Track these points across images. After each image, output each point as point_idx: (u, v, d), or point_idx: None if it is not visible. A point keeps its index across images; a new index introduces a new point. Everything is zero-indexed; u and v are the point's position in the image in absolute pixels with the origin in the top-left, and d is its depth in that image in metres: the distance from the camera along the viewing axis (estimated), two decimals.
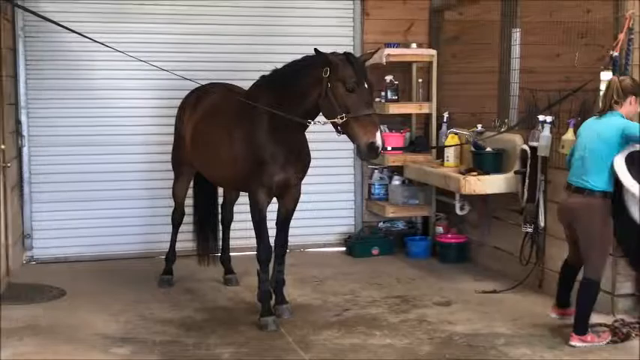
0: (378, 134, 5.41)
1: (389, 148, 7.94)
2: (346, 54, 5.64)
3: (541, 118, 6.52)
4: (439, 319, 6.15)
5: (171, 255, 7.23)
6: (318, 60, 5.59)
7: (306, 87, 5.70)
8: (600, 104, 5.56)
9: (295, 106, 5.77)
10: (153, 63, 6.47)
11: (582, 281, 5.52)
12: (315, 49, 5.65)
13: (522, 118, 7.16)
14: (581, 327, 5.47)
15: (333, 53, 5.68)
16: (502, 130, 7.15)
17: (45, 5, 7.71)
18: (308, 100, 5.70)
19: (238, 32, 8.29)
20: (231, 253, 7.31)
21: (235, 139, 6.08)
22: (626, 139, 5.30)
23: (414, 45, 8.41)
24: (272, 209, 6.16)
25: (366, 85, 5.51)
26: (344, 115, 5.47)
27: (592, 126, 5.53)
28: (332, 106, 5.54)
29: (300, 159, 6.08)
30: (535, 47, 7.87)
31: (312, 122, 5.80)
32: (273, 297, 6.16)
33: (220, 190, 7.27)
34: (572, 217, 5.55)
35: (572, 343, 5.48)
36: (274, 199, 6.18)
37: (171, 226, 7.28)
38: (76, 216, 8.08)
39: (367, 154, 5.47)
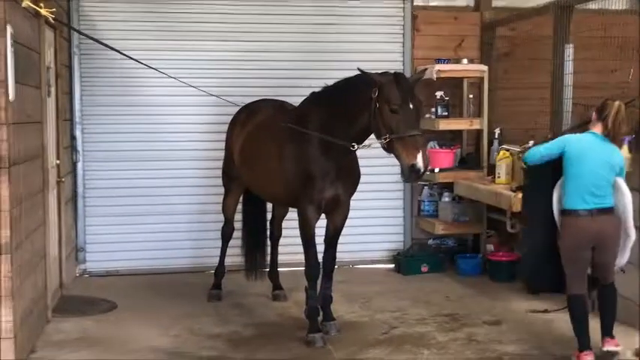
0: (420, 156, 5.32)
1: (436, 170, 7.83)
2: (395, 74, 5.60)
3: None
4: (489, 338, 6.06)
5: (221, 269, 7.27)
6: (369, 79, 5.58)
7: (356, 106, 5.68)
8: (610, 126, 5.34)
9: (346, 124, 5.76)
10: (202, 88, 6.64)
11: (610, 287, 5.49)
12: (360, 69, 5.64)
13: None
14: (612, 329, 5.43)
15: (385, 73, 5.65)
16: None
17: (100, 24, 7.88)
18: (359, 119, 5.67)
19: (289, 49, 8.35)
20: (279, 269, 7.32)
21: (286, 154, 6.10)
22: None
23: (464, 61, 8.36)
24: (321, 225, 6.15)
25: (411, 106, 5.44)
26: (387, 135, 5.45)
27: (598, 149, 5.35)
28: (378, 127, 5.53)
29: (350, 175, 6.07)
30: (589, 63, 7.76)
31: (358, 146, 5.75)
32: (321, 313, 6.14)
33: (269, 206, 7.30)
34: (603, 237, 5.36)
35: (611, 347, 5.42)
36: (323, 215, 6.18)
37: (220, 240, 7.33)
38: (128, 230, 8.20)
39: (408, 175, 5.41)
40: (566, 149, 5.39)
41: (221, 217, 7.34)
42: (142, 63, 6.22)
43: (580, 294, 5.42)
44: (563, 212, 5.41)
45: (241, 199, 7.28)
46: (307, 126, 5.99)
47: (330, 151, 5.87)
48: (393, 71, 5.69)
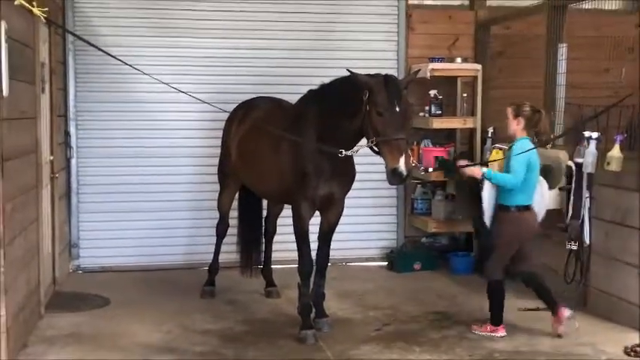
0: (403, 160, 5.33)
1: (430, 170, 7.76)
2: (385, 76, 5.60)
3: (587, 134, 6.43)
4: (480, 335, 6.08)
5: (215, 266, 7.29)
6: (358, 82, 5.56)
7: (351, 107, 5.67)
8: (543, 130, 6.07)
9: (342, 124, 5.76)
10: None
11: (529, 273, 6.12)
12: (349, 71, 5.64)
13: (566, 132, 7.07)
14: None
15: (376, 75, 5.64)
16: (545, 143, 7.04)
17: (95, 20, 7.90)
18: (354, 120, 5.66)
19: (286, 47, 8.37)
20: (272, 266, 7.34)
21: (282, 151, 6.12)
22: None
23: (458, 59, 8.38)
24: (314, 222, 6.17)
25: (397, 109, 5.43)
26: (374, 138, 5.47)
27: (535, 153, 6.01)
28: (367, 129, 5.55)
29: (345, 174, 6.08)
30: (582, 62, 7.79)
31: (346, 153, 5.76)
32: (314, 310, 6.17)
33: (264, 203, 7.31)
34: (533, 230, 6.10)
35: (568, 313, 5.96)
36: (317, 213, 6.19)
37: (215, 237, 7.34)
38: (122, 226, 8.21)
39: (391, 178, 5.42)
40: (530, 156, 5.90)
41: (215, 214, 7.35)
42: (135, 68, 6.22)
43: (502, 279, 6.04)
44: (516, 208, 5.90)
45: (237, 196, 7.29)
46: (303, 125, 6.00)
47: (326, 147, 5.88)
48: (384, 73, 5.69)
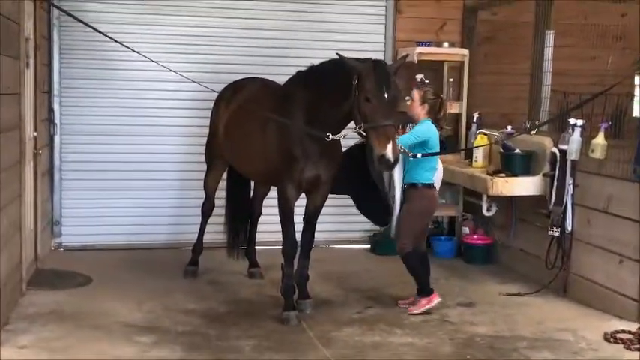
0: (390, 147, 5.32)
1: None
2: (374, 61, 5.56)
3: (572, 121, 6.46)
4: (461, 319, 6.13)
5: (199, 246, 7.27)
6: (347, 67, 5.51)
7: (340, 92, 5.61)
8: (442, 115, 6.35)
9: (330, 109, 5.73)
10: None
11: (424, 253, 6.45)
12: (339, 55, 5.60)
13: (551, 119, 7.10)
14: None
15: (365, 60, 5.59)
16: (529, 129, 7.09)
17: None
18: (342, 105, 5.61)
19: (273, 27, 8.32)
20: (256, 247, 7.34)
21: (269, 132, 6.09)
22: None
23: (446, 44, 8.38)
24: (299, 204, 6.17)
25: (386, 96, 5.40)
26: (362, 124, 5.45)
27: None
28: (355, 114, 5.52)
29: (332, 156, 6.05)
30: (569, 50, 7.80)
31: (333, 137, 5.72)
32: (297, 292, 6.18)
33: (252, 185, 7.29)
34: (436, 207, 6.47)
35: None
36: (302, 195, 6.19)
37: (200, 217, 7.32)
38: (105, 205, 8.18)
39: (378, 165, 5.44)
40: (431, 136, 6.18)
41: (200, 194, 7.33)
42: (124, 45, 6.13)
43: (411, 250, 6.24)
44: (423, 185, 6.19)
45: (226, 177, 7.26)
46: (291, 107, 5.97)
47: (314, 130, 5.82)
48: (373, 58, 5.67)
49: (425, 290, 6.26)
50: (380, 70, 5.49)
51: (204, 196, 7.27)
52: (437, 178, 6.36)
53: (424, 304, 6.21)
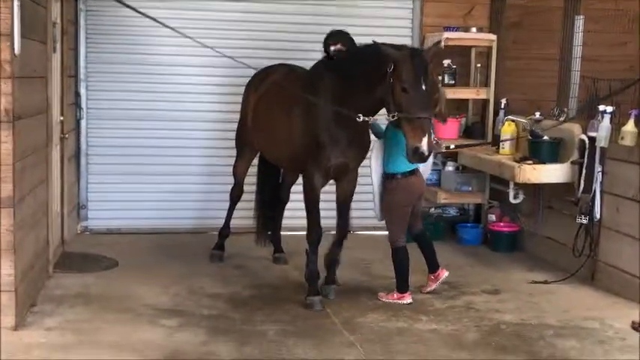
0: (425, 140, 5.25)
1: (444, 150, 7.56)
2: (412, 51, 5.46)
3: (601, 108, 6.37)
4: (487, 307, 6.08)
5: (225, 231, 7.26)
6: (383, 54, 5.40)
7: (372, 78, 5.54)
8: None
9: (361, 94, 5.66)
10: (219, 50, 6.36)
11: (421, 232, 6.42)
12: (375, 42, 5.50)
13: (582, 108, 7.01)
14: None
15: (402, 47, 5.51)
16: (561, 119, 7.00)
17: None
18: (374, 91, 5.54)
19: (299, 11, 8.26)
20: (281, 232, 7.33)
21: (295, 118, 6.04)
22: None
23: (473, 29, 8.28)
24: (330, 190, 6.15)
25: (423, 87, 5.30)
26: (396, 113, 5.38)
27: None
28: (389, 102, 5.44)
29: (361, 143, 6.00)
30: (599, 35, 7.70)
31: (364, 118, 5.63)
32: (322, 276, 6.16)
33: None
34: (420, 192, 6.29)
35: (444, 275, 6.36)
36: (332, 182, 6.15)
37: (226, 202, 7.29)
38: (131, 189, 8.21)
39: (412, 157, 5.36)
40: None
41: (226, 179, 7.35)
42: (158, 21, 5.98)
43: (405, 245, 6.15)
44: (402, 175, 6.05)
45: (257, 163, 7.22)
46: (319, 92, 5.90)
47: (341, 118, 5.79)
48: (410, 46, 5.58)
49: (402, 287, 6.17)
50: (418, 59, 5.36)
51: (230, 182, 7.27)
52: (422, 166, 6.14)
53: (394, 297, 6.16)
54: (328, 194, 6.26)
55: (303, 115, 5.98)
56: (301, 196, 6.11)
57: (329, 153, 5.86)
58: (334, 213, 6.27)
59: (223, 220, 7.29)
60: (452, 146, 6.09)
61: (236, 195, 7.26)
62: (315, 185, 5.95)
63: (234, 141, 7.24)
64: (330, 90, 5.86)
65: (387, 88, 5.42)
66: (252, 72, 6.77)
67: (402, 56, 5.36)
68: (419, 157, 5.33)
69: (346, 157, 5.93)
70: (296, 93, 6.00)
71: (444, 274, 6.37)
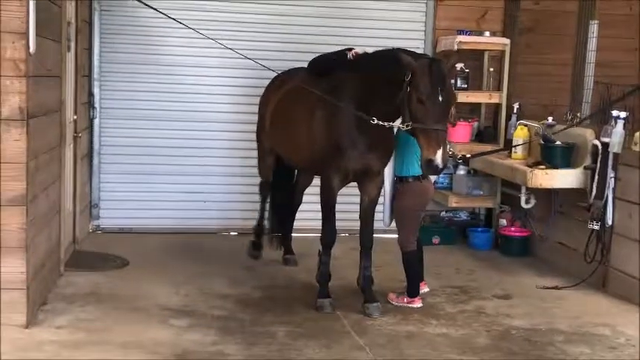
0: (440, 152, 5.13)
1: (459, 161, 7.49)
2: (430, 61, 5.37)
3: (614, 113, 6.35)
4: (497, 311, 6.07)
5: (260, 228, 7.25)
6: (402, 63, 5.31)
7: (390, 84, 5.44)
8: None
9: (380, 100, 5.60)
10: (238, 50, 6.31)
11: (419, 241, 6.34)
12: (395, 50, 5.44)
13: (594, 112, 6.98)
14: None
15: (421, 56, 5.46)
16: (574, 123, 6.98)
17: None
18: (392, 98, 5.42)
19: (312, 14, 8.28)
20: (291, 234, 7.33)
21: (316, 122, 5.98)
22: None
23: (487, 33, 8.28)
24: (348, 193, 6.17)
25: (440, 99, 5.20)
26: (411, 123, 5.29)
27: None
28: (404, 111, 5.35)
29: (384, 147, 5.89)
30: (613, 40, 7.67)
31: (378, 122, 5.53)
32: (363, 292, 6.07)
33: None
34: (431, 197, 6.38)
35: (425, 289, 6.34)
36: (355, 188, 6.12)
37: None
38: (143, 189, 8.24)
39: (425, 169, 5.30)
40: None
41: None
42: (179, 22, 5.99)
43: (415, 249, 6.17)
44: (413, 178, 6.01)
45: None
46: (340, 95, 5.84)
47: (361, 121, 5.71)
48: (429, 55, 5.54)
49: (413, 292, 6.17)
50: (436, 70, 5.25)
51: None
52: None
53: (404, 301, 6.15)
54: (344, 196, 6.25)
55: (323, 117, 5.92)
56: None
57: (348, 156, 5.81)
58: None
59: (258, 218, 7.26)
60: (468, 155, 6.04)
61: (265, 190, 7.20)
62: (332, 187, 5.92)
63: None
64: (351, 95, 5.80)
65: (403, 97, 5.34)
66: (268, 73, 6.77)
67: (420, 66, 5.27)
68: (433, 170, 5.24)
69: (367, 160, 5.86)
70: (319, 96, 5.92)
71: (425, 288, 6.35)
